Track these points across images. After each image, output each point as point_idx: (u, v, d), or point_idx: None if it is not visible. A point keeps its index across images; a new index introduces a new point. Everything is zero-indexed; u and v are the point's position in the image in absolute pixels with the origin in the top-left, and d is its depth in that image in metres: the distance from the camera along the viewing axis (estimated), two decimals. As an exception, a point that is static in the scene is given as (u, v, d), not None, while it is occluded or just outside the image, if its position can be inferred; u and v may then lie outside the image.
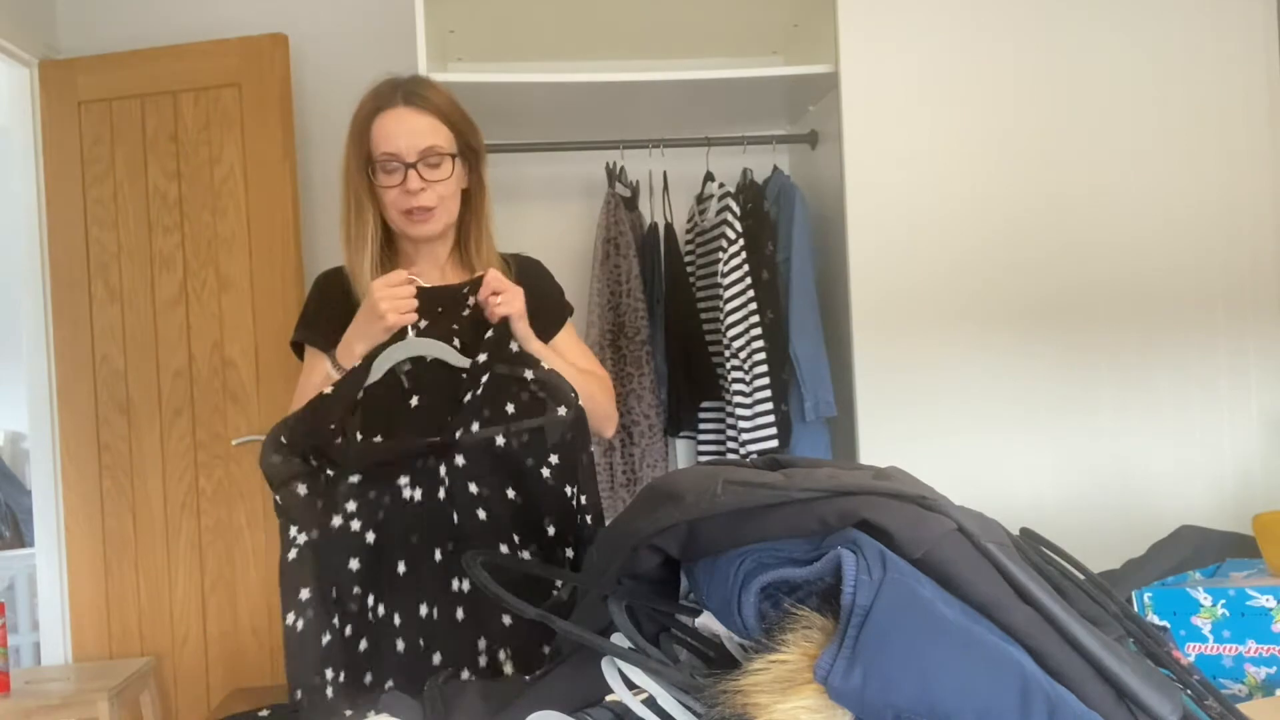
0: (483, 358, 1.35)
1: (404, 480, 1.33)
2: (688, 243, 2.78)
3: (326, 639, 1.29)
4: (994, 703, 0.58)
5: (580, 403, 1.36)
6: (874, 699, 0.58)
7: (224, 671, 2.72)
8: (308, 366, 1.50)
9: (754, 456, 2.41)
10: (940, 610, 0.61)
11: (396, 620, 1.32)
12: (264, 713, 1.33)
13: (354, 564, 1.30)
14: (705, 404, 2.64)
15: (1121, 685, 0.63)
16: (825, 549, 0.66)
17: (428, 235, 1.48)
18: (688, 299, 2.65)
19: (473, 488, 1.31)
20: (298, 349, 1.54)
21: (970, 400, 2.45)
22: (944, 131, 2.46)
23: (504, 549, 1.32)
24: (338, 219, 1.49)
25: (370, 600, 1.32)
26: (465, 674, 1.30)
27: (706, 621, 0.75)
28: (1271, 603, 1.22)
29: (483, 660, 1.31)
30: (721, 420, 2.64)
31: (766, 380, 2.49)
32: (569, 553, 1.35)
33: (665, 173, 2.72)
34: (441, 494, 1.33)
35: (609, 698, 0.80)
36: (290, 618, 1.28)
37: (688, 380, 2.60)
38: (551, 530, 1.34)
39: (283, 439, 1.30)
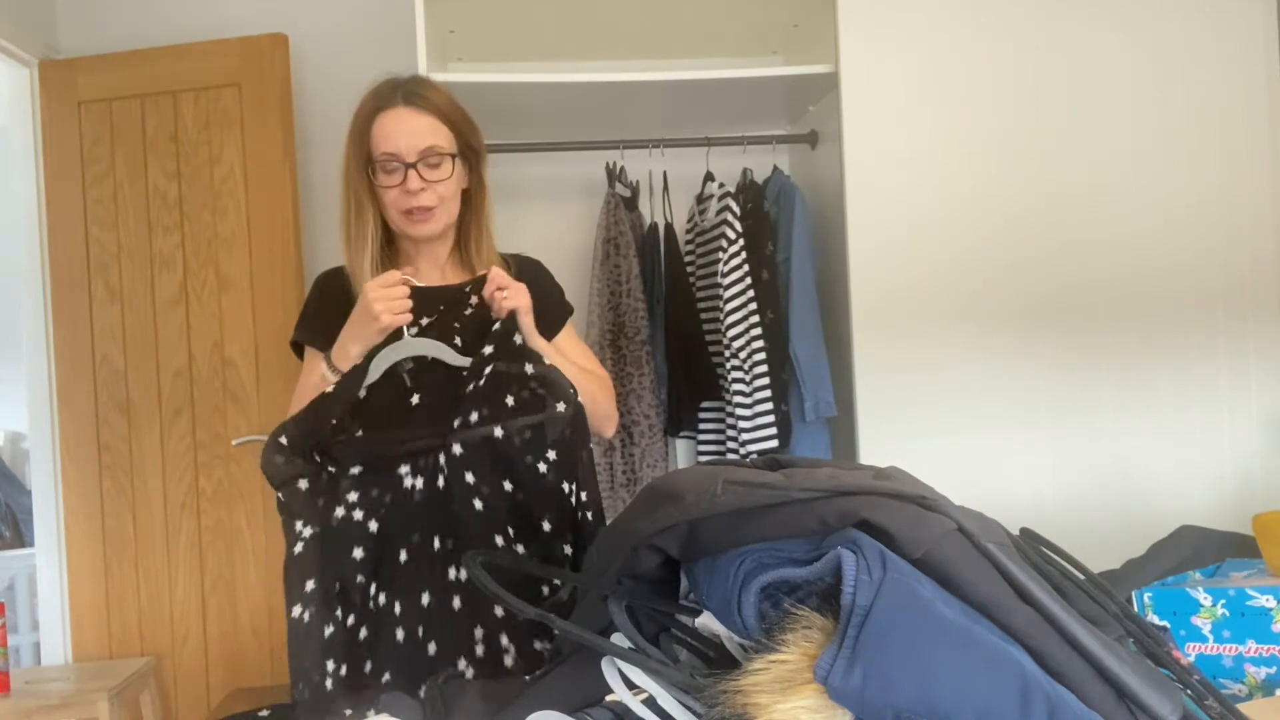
0: (488, 350, 1.35)
1: (405, 470, 1.34)
2: (688, 243, 2.78)
3: (329, 631, 1.30)
4: (994, 703, 0.58)
5: (580, 400, 1.36)
6: (874, 699, 0.58)
7: (224, 671, 2.72)
8: (307, 366, 1.50)
9: (754, 456, 2.41)
10: (940, 610, 0.61)
11: (397, 609, 1.33)
12: (264, 713, 1.34)
13: (358, 553, 1.31)
14: (705, 404, 2.64)
15: (1121, 685, 0.63)
16: (825, 549, 0.66)
17: (428, 235, 1.48)
18: (688, 299, 2.65)
19: (469, 477, 1.32)
20: (297, 349, 1.54)
21: (970, 400, 2.45)
22: (944, 131, 2.46)
23: (499, 541, 1.32)
24: (338, 219, 1.49)
25: (373, 589, 1.33)
26: (462, 663, 1.31)
27: (706, 621, 0.75)
28: (1271, 603, 1.22)
29: (480, 649, 1.31)
30: (721, 420, 2.64)
31: (766, 380, 2.49)
32: (567, 550, 1.36)
33: (665, 173, 2.72)
34: (440, 482, 1.33)
35: (609, 698, 0.80)
36: (297, 610, 1.30)
37: (688, 380, 2.60)
38: (548, 526, 1.34)
39: (283, 440, 1.32)
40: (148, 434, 2.74)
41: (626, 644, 0.73)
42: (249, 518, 2.72)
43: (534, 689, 0.85)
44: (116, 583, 2.73)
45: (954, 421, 2.44)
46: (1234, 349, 2.49)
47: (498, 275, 1.40)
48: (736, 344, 2.48)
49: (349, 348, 1.38)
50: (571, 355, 1.52)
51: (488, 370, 1.34)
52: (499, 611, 1.32)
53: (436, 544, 1.34)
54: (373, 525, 1.32)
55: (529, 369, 1.35)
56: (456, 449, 1.32)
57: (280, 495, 1.33)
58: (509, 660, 1.31)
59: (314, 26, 2.93)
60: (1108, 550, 1.67)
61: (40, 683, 2.54)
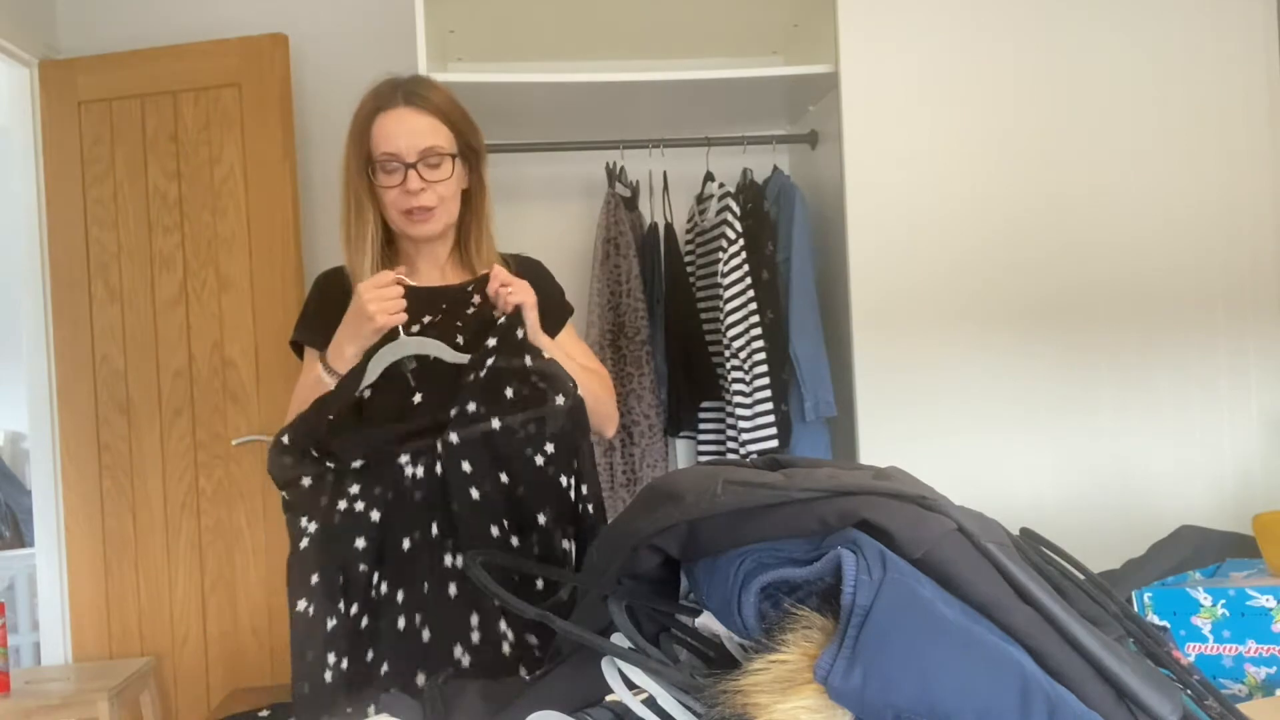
0: (491, 342, 1.35)
1: (405, 459, 1.34)
2: (688, 243, 2.78)
3: (332, 623, 1.31)
4: (994, 703, 0.58)
5: (579, 393, 1.37)
6: (874, 699, 0.58)
7: (224, 671, 2.72)
8: (306, 367, 1.50)
9: (754, 456, 2.41)
10: (940, 610, 0.61)
11: (400, 598, 1.34)
12: (264, 713, 1.34)
13: (360, 543, 1.32)
14: (705, 404, 2.64)
15: (1121, 685, 0.63)
16: (825, 549, 0.66)
17: (428, 235, 1.48)
18: (688, 299, 2.65)
19: (465, 467, 1.32)
20: (297, 349, 1.55)
21: (970, 400, 2.45)
22: (944, 131, 2.46)
23: (494, 532, 1.33)
24: (338, 219, 1.49)
25: (375, 578, 1.34)
26: (458, 649, 1.31)
27: (706, 621, 0.75)
28: (1271, 603, 1.22)
29: (475, 636, 1.31)
30: (721, 420, 2.64)
31: (766, 380, 2.49)
32: (565, 544, 1.36)
33: (665, 173, 2.72)
34: (438, 469, 1.34)
35: (609, 698, 0.80)
36: (302, 604, 1.30)
37: (688, 380, 2.60)
38: (545, 519, 1.34)
39: (285, 440, 1.32)
40: (148, 434, 2.74)
41: (626, 644, 0.73)
42: (249, 517, 2.72)
43: (534, 689, 0.85)
44: (116, 583, 2.74)
45: (954, 421, 2.44)
46: (1234, 349, 2.49)
47: (501, 273, 1.41)
48: (736, 344, 2.48)
49: (344, 348, 1.38)
50: (573, 354, 1.52)
51: (489, 362, 1.34)
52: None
53: (434, 531, 1.34)
54: (374, 515, 1.33)
55: (529, 362, 1.35)
56: (453, 438, 1.32)
57: (285, 495, 1.34)
58: (506, 648, 1.31)
59: (314, 26, 2.93)
60: (1108, 550, 1.67)
61: (40, 683, 2.54)
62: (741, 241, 2.50)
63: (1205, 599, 1.25)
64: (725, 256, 2.49)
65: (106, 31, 2.90)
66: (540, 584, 1.30)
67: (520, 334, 1.37)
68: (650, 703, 0.71)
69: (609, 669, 0.72)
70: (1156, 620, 1.26)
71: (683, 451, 2.94)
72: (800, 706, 0.60)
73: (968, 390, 2.45)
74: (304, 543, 1.32)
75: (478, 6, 2.60)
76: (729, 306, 2.48)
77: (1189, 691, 0.73)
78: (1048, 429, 2.46)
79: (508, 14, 2.68)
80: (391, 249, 1.52)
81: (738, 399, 2.48)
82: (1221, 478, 2.47)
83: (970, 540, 0.67)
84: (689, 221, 2.80)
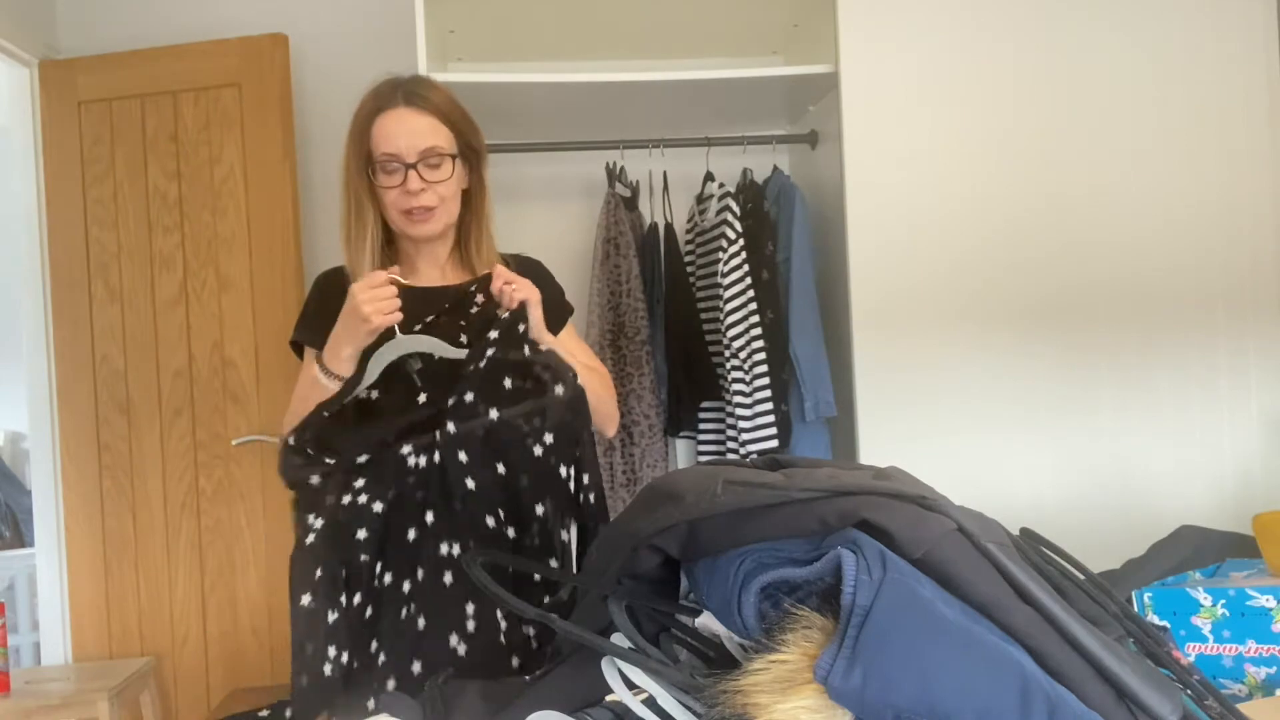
0: (493, 335, 1.36)
1: (407, 449, 1.34)
2: (688, 243, 2.78)
3: (334, 616, 1.31)
4: (994, 703, 0.58)
5: (579, 384, 1.37)
6: (874, 699, 0.58)
7: (224, 671, 2.72)
8: (306, 367, 1.50)
9: (754, 456, 2.41)
10: (940, 610, 0.61)
11: (406, 588, 1.34)
12: (264, 713, 1.34)
13: (362, 534, 1.32)
14: (705, 404, 2.64)
15: (1121, 685, 0.62)
16: (825, 549, 0.66)
17: (428, 235, 1.48)
18: (688, 299, 2.65)
19: (462, 456, 1.32)
20: (297, 349, 1.55)
21: (970, 400, 2.45)
22: (944, 131, 2.46)
23: (490, 522, 1.33)
24: (338, 219, 1.49)
25: (378, 568, 1.34)
26: (454, 638, 1.31)
27: (706, 621, 0.75)
28: (1271, 603, 1.22)
29: (471, 625, 1.31)
30: (721, 420, 2.64)
31: (766, 380, 2.49)
32: (565, 535, 1.36)
33: (665, 173, 2.72)
34: (437, 458, 1.34)
35: (609, 698, 0.80)
36: (306, 598, 1.30)
37: (688, 380, 2.60)
38: (542, 509, 1.34)
39: (291, 441, 1.34)
40: (148, 434, 2.74)
41: (626, 644, 0.73)
42: (249, 518, 2.72)
43: (534, 689, 0.85)
44: (116, 583, 2.74)
45: (954, 421, 2.44)
46: (1234, 349, 2.49)
47: (504, 271, 1.41)
48: (736, 344, 2.48)
49: (340, 349, 1.38)
50: (574, 354, 1.52)
51: (489, 353, 1.35)
52: None
53: (430, 519, 1.35)
54: (377, 507, 1.33)
55: (528, 353, 1.36)
56: (451, 427, 1.32)
57: (295, 495, 1.34)
58: (502, 638, 1.31)
59: (314, 26, 2.93)
60: (1108, 550, 1.67)
61: (40, 683, 2.54)
62: (741, 241, 2.50)
63: (1205, 599, 1.25)
64: (725, 256, 2.49)
65: (106, 31, 2.90)
66: (536, 577, 1.30)
67: (522, 329, 1.37)
68: (650, 703, 0.71)
69: (609, 669, 0.72)
70: (1156, 620, 1.26)
71: (683, 451, 2.94)
72: (800, 706, 0.60)
73: (968, 390, 2.45)
74: (309, 538, 1.32)
75: (478, 6, 2.60)
76: (729, 306, 2.48)
77: (1189, 691, 0.73)
78: (1048, 429, 2.46)
79: (508, 14, 2.68)
80: (391, 249, 1.52)
81: (738, 399, 2.48)
82: (1221, 478, 2.47)
83: (970, 540, 0.67)
84: (689, 221, 2.80)
